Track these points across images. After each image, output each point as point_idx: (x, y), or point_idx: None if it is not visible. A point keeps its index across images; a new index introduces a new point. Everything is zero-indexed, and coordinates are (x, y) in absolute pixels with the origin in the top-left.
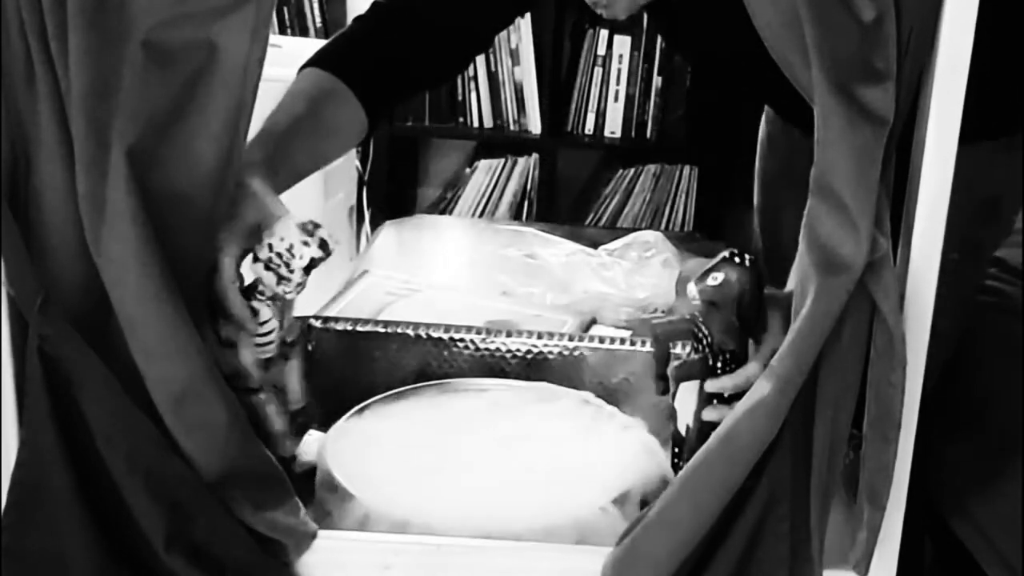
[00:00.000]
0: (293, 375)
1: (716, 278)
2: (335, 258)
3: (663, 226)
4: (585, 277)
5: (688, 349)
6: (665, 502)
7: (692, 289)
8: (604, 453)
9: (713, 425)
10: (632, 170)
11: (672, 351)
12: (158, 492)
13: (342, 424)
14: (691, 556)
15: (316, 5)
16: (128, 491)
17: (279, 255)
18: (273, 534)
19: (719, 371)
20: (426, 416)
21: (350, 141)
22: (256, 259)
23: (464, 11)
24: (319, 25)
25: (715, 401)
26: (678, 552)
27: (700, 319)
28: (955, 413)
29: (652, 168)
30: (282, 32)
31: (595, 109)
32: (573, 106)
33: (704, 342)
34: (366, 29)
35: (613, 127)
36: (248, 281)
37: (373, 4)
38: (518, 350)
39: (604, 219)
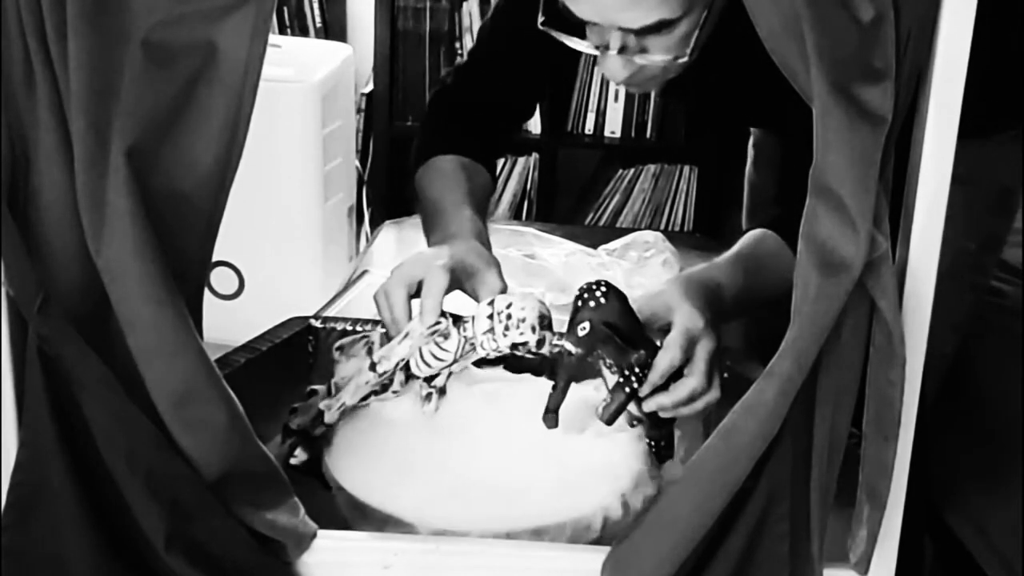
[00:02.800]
0: None
1: (584, 328)
2: (335, 258)
3: (663, 226)
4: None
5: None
6: (665, 501)
7: (570, 347)
8: (604, 451)
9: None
10: (632, 170)
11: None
12: (158, 492)
13: (340, 423)
14: (691, 556)
15: (316, 5)
16: (128, 491)
17: (509, 317)
18: (273, 534)
19: (637, 380)
20: (424, 415)
21: (489, 197)
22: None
23: (514, 85)
24: (319, 25)
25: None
26: (678, 551)
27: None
28: (955, 412)
29: (652, 168)
30: (282, 32)
31: (595, 109)
32: (573, 106)
33: (610, 366)
34: (449, 115)
35: (613, 127)
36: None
37: (440, 88)
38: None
39: (604, 219)
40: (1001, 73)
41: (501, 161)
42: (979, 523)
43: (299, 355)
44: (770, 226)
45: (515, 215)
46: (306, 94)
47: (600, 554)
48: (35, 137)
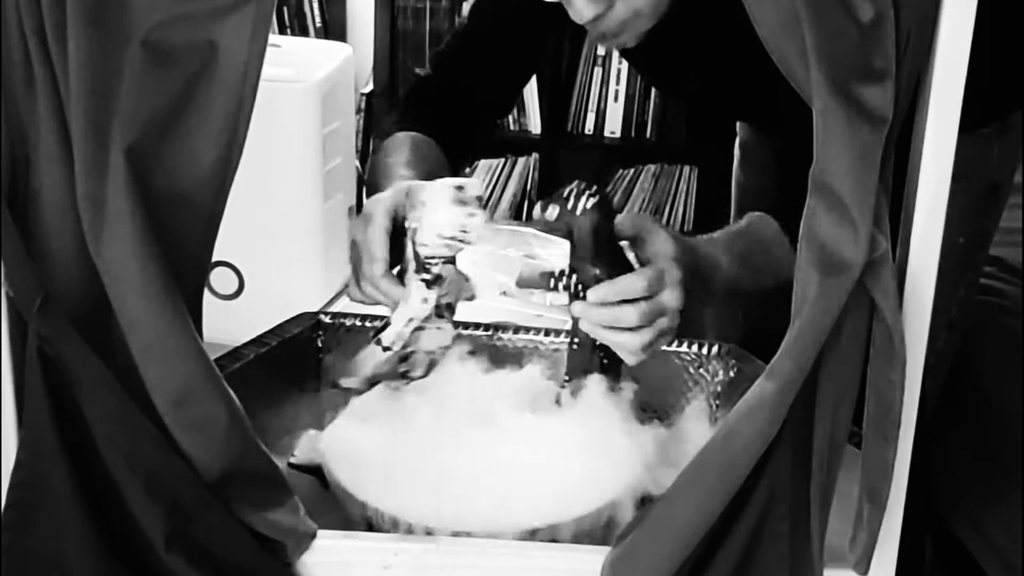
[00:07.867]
0: None
1: (553, 211)
2: (335, 258)
3: None
4: None
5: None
6: (665, 502)
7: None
8: (604, 451)
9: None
10: (632, 170)
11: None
12: (158, 492)
13: (339, 422)
14: (691, 556)
15: (316, 5)
16: (128, 491)
17: (453, 238)
18: (273, 534)
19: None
20: (424, 413)
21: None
22: (425, 243)
23: (491, 80)
24: (319, 25)
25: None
26: (678, 552)
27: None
28: (956, 412)
29: (652, 168)
30: (282, 32)
31: (595, 109)
32: (573, 106)
33: (562, 277)
34: (423, 98)
35: (613, 127)
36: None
37: (417, 79)
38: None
39: None
40: (983, 67)
41: (501, 161)
42: (979, 523)
43: (308, 350)
44: (771, 211)
45: (515, 215)
46: (306, 94)
47: (600, 554)
48: (35, 137)
